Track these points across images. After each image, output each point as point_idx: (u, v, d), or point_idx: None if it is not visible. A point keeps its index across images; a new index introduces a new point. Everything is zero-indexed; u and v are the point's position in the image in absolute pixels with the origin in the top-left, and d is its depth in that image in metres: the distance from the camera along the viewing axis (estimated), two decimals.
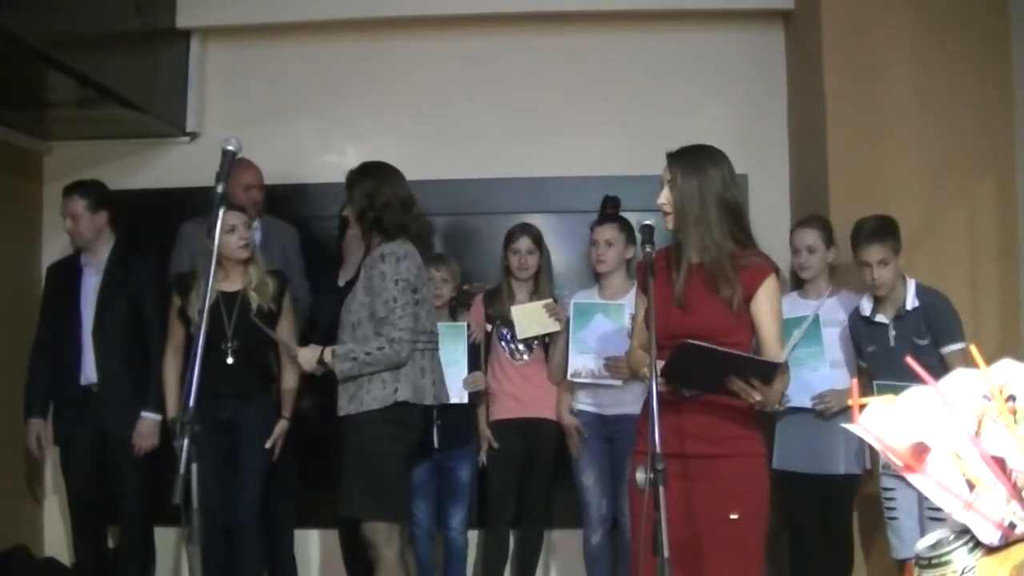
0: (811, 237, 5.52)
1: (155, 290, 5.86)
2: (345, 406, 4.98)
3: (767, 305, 4.00)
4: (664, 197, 4.05)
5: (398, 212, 5.08)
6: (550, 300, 5.95)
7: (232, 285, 5.58)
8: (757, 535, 3.97)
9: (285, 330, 5.68)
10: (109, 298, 5.93)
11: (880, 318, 5.20)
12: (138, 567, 6.08)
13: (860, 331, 5.31)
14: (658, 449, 3.44)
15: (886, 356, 5.09)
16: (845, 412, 5.14)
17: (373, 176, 5.14)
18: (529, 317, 5.94)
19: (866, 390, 4.94)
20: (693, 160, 4.04)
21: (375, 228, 5.08)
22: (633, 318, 5.56)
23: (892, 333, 5.15)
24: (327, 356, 4.96)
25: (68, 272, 6.08)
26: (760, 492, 4.01)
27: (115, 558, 6.18)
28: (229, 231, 5.40)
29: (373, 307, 4.93)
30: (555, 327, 5.91)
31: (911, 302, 5.13)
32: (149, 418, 5.78)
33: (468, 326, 5.95)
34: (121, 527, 6.16)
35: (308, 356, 5.04)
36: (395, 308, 4.88)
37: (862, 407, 1.76)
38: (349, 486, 4.95)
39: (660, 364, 3.71)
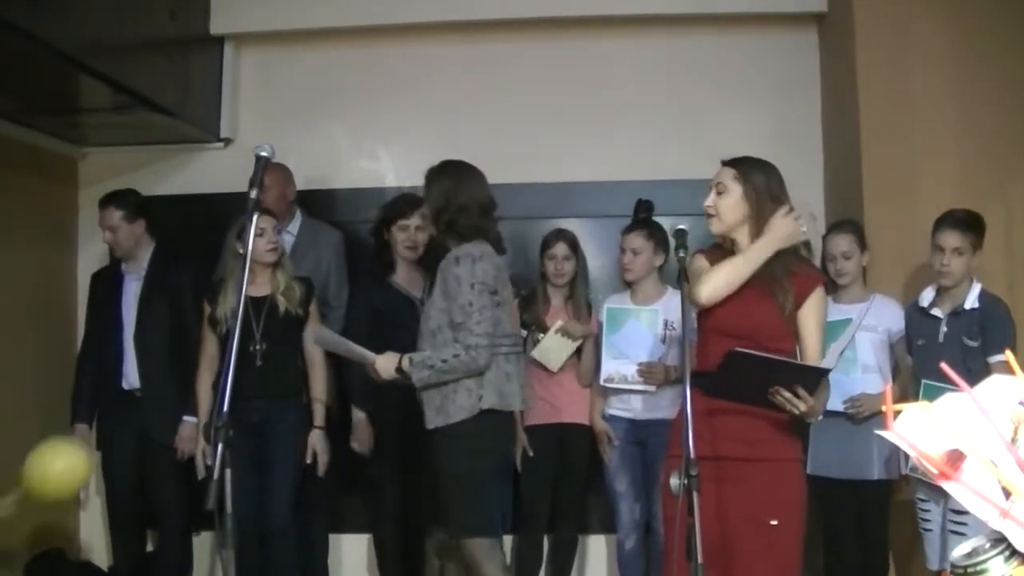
0: (846, 243, 5.47)
1: (194, 295, 5.87)
2: (432, 418, 4.78)
3: (813, 315, 4.00)
4: (711, 200, 4.05)
5: (475, 216, 4.86)
6: (559, 323, 5.91)
7: (259, 290, 5.59)
8: (793, 542, 3.93)
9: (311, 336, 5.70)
10: (150, 304, 5.98)
11: (936, 311, 5.13)
12: (175, 571, 6.11)
13: (913, 323, 5.27)
14: (692, 454, 3.43)
15: (933, 351, 5.00)
16: (879, 417, 5.11)
17: (452, 176, 4.92)
18: (551, 350, 5.94)
19: (910, 392, 4.93)
20: (747, 169, 4.05)
21: (450, 230, 4.88)
22: (668, 324, 5.58)
23: (943, 329, 5.09)
24: (405, 364, 4.74)
25: (110, 280, 6.15)
26: (796, 498, 3.97)
27: (151, 562, 6.21)
28: (258, 235, 5.42)
29: (451, 312, 4.73)
30: (576, 344, 5.93)
31: (971, 302, 5.05)
32: (190, 422, 5.80)
33: None
34: (159, 531, 6.20)
35: (386, 364, 4.80)
36: (472, 313, 4.66)
37: (896, 413, 1.75)
38: (447, 505, 4.80)
39: (693, 354, 3.72)
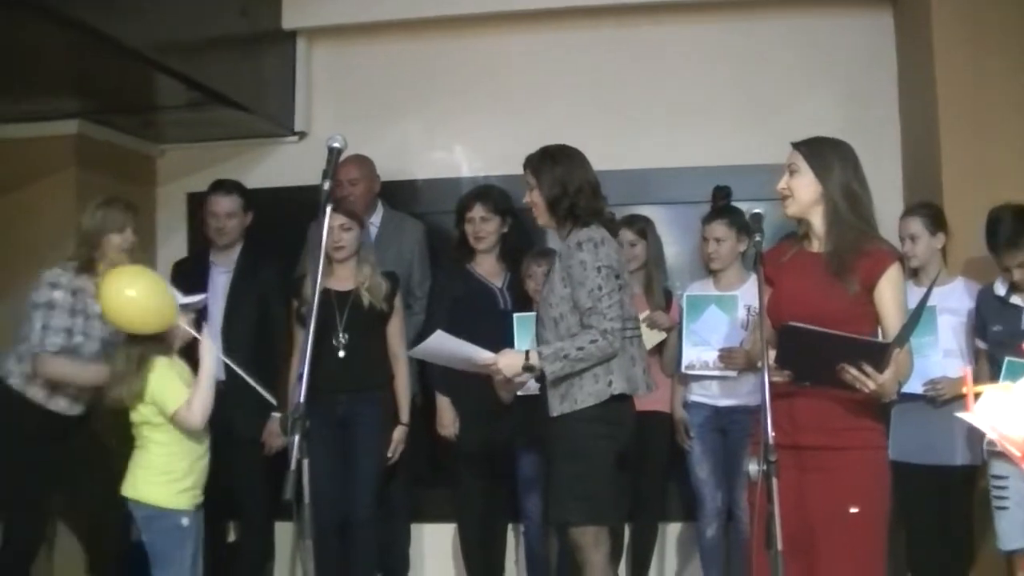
0: (914, 225, 5.41)
1: (281, 290, 5.91)
2: (558, 406, 4.58)
3: (890, 294, 3.89)
4: (784, 182, 4.01)
5: (591, 197, 4.72)
6: (646, 312, 5.79)
7: (343, 284, 5.62)
8: (876, 532, 3.86)
9: (395, 331, 5.72)
10: (239, 298, 6.04)
11: (1015, 300, 5.02)
12: (259, 561, 6.20)
13: (988, 308, 5.14)
14: (771, 440, 3.40)
15: (1014, 338, 4.84)
16: (960, 401, 5.02)
17: (562, 161, 4.73)
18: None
19: (983, 375, 4.84)
20: (817, 149, 4.00)
21: (570, 216, 4.72)
22: (751, 310, 5.53)
23: None
24: (534, 359, 4.55)
25: (196, 270, 6.14)
26: (879, 488, 3.89)
27: (231, 552, 6.27)
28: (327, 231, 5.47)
29: (576, 298, 4.56)
30: (661, 336, 5.90)
31: None
32: (278, 417, 5.78)
33: None
34: (242, 522, 6.27)
35: (511, 362, 4.60)
36: (602, 297, 4.50)
37: (977, 395, 1.72)
38: (559, 490, 4.62)
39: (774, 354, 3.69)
